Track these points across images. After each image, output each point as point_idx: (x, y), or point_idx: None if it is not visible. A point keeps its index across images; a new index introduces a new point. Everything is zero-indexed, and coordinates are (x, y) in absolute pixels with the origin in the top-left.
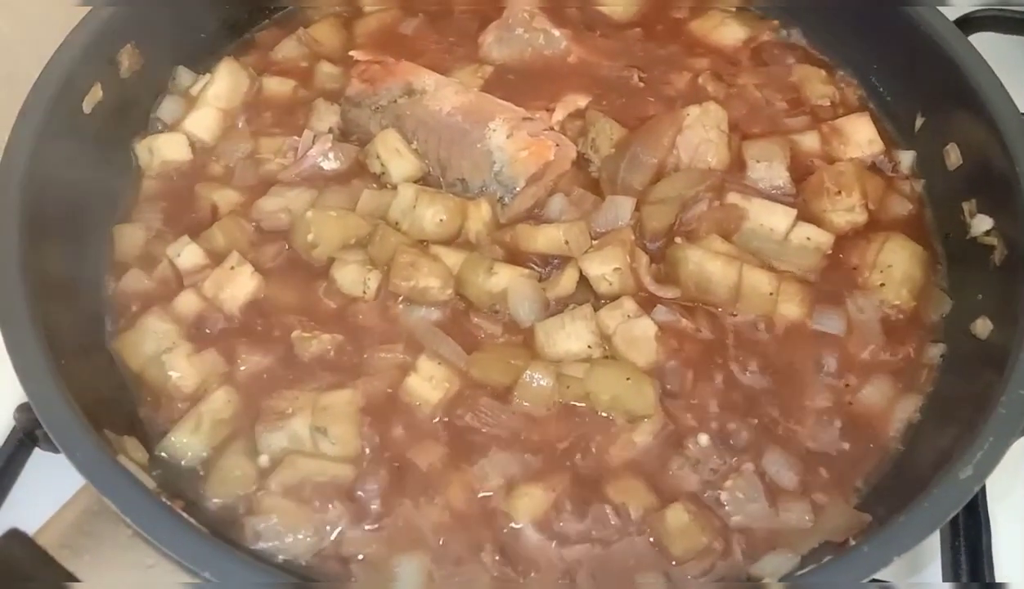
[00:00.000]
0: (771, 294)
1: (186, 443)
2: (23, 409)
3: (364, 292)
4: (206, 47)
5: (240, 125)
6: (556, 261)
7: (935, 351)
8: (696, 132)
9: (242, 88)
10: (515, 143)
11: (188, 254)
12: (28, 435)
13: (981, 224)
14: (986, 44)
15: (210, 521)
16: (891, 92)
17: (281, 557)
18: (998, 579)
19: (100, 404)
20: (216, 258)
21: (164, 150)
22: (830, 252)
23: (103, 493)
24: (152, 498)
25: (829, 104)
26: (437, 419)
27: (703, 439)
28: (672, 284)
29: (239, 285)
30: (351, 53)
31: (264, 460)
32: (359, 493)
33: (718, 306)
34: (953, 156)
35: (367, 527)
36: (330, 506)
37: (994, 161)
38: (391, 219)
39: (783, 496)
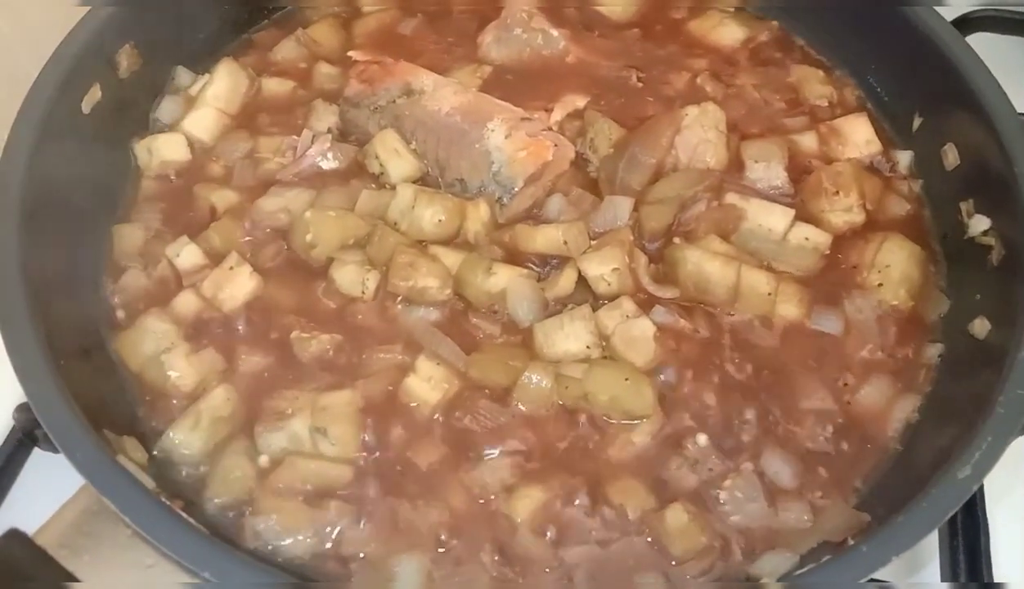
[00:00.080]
0: (769, 294)
1: (185, 442)
2: (22, 409)
3: (363, 292)
4: (205, 47)
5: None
6: (555, 261)
7: (933, 351)
8: (694, 132)
9: (241, 88)
10: (513, 143)
11: (187, 254)
12: (27, 435)
13: (979, 224)
14: (984, 44)
15: (209, 521)
16: (889, 92)
17: (280, 557)
18: (996, 579)
19: (99, 404)
20: (215, 258)
21: (163, 150)
22: (828, 252)
23: (102, 493)
24: (151, 498)
25: (827, 104)
26: (436, 420)
27: (702, 439)
28: (671, 284)
29: (238, 285)
30: (350, 53)
31: (263, 460)
32: (358, 493)
33: (716, 306)
34: (951, 156)
35: (366, 527)
36: (329, 506)
37: (992, 161)
38: (390, 219)
39: (782, 496)
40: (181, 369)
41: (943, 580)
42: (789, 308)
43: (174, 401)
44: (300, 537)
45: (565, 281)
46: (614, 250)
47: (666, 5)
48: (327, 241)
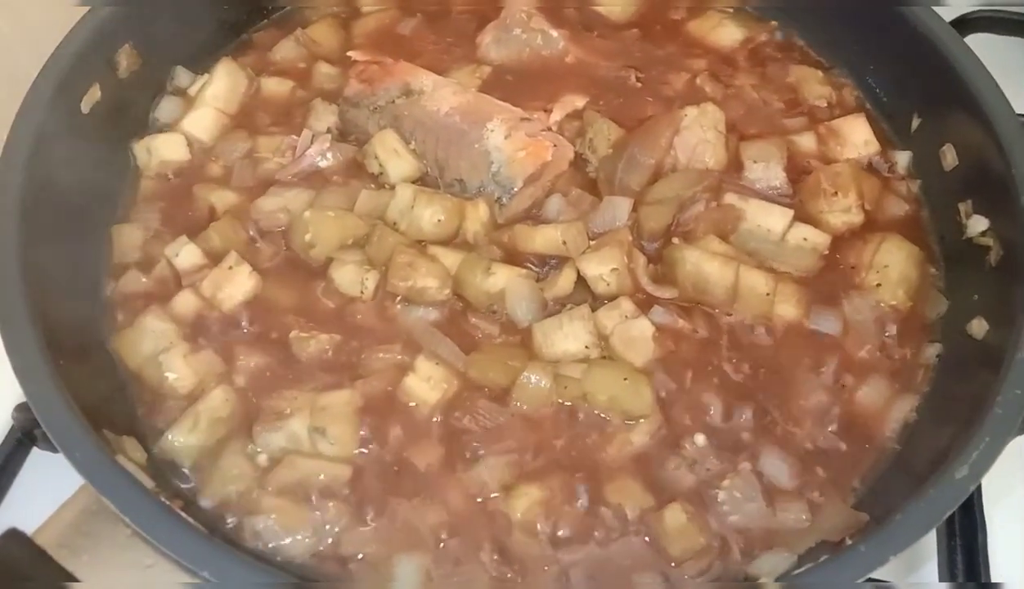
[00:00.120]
0: (768, 294)
1: (184, 442)
2: (22, 409)
3: (362, 292)
4: (204, 47)
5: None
6: (554, 261)
7: (931, 351)
8: (694, 133)
9: (240, 88)
10: (513, 143)
11: (186, 254)
12: (27, 435)
13: (977, 225)
14: (982, 45)
15: (209, 521)
16: (887, 93)
17: (280, 557)
18: (994, 579)
19: (99, 404)
20: (214, 258)
21: (162, 150)
22: (827, 253)
23: (102, 493)
24: (151, 498)
25: (826, 105)
26: (435, 419)
27: (700, 439)
28: (669, 284)
29: (237, 285)
30: (349, 53)
31: (263, 460)
32: (357, 493)
33: (715, 307)
34: (949, 157)
35: (365, 527)
36: (328, 506)
37: (990, 162)
38: (389, 219)
39: (780, 496)
40: (179, 370)
41: (941, 580)
42: (787, 308)
43: (172, 402)
44: (299, 537)
45: (564, 281)
46: (613, 250)
47: (665, 5)
48: (326, 241)
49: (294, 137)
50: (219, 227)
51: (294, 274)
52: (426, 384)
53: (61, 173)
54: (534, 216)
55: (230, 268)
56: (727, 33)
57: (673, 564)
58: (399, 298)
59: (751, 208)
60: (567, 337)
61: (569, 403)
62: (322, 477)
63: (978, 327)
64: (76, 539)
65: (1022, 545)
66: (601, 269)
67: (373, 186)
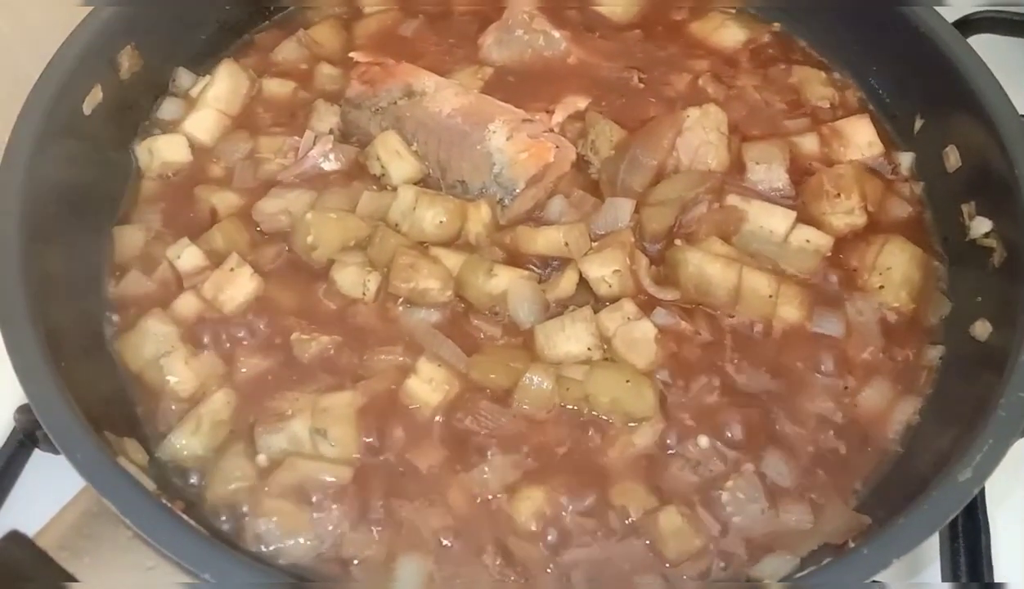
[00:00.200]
0: (770, 296)
1: (186, 445)
2: (23, 410)
3: (364, 294)
4: (206, 48)
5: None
6: (556, 263)
7: (934, 353)
8: (696, 134)
9: (242, 90)
10: (515, 145)
11: (188, 256)
12: (28, 436)
13: (980, 226)
14: (985, 46)
15: (210, 523)
16: (890, 94)
17: (281, 559)
18: (997, 580)
19: (100, 405)
20: (216, 260)
21: (164, 151)
22: (829, 254)
23: (103, 495)
24: (152, 500)
25: (828, 106)
26: (437, 421)
27: (703, 441)
28: (672, 286)
29: (239, 287)
30: (351, 55)
31: (263, 460)
32: (359, 495)
33: (717, 308)
34: (952, 158)
35: (367, 529)
36: (330, 508)
37: (993, 163)
38: (391, 221)
39: (783, 497)
40: (180, 374)
41: (944, 581)
42: (790, 310)
43: (174, 404)
44: (300, 539)
45: (566, 283)
46: (615, 252)
47: (667, 6)
48: (328, 242)
49: (296, 138)
50: (221, 229)
51: (296, 276)
52: (428, 386)
53: (62, 174)
54: (536, 217)
55: (232, 270)
56: (729, 34)
57: (668, 565)
58: (401, 300)
59: (753, 210)
60: (569, 339)
61: (571, 405)
62: (323, 479)
63: (981, 329)
64: (77, 541)
65: None
66: (603, 271)
67: (375, 187)
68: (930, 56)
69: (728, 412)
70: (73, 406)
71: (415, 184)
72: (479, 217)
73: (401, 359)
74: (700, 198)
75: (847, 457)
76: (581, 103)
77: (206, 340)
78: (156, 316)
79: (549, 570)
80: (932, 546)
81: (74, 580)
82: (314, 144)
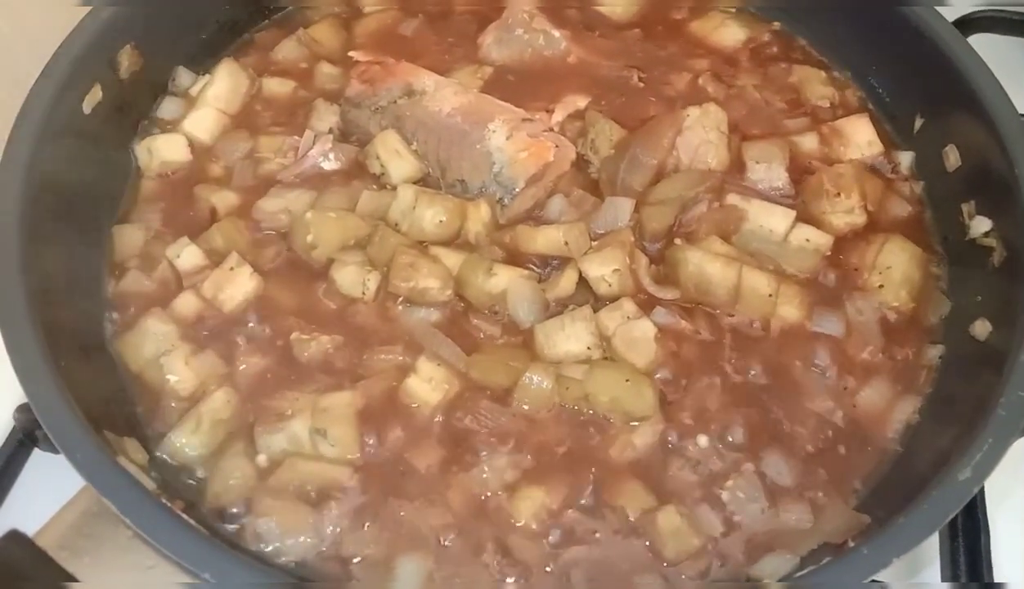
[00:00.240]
0: (770, 295)
1: (185, 444)
2: (23, 410)
3: (363, 293)
4: (206, 48)
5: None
6: (555, 262)
7: (934, 353)
8: (696, 133)
9: (242, 89)
10: (515, 144)
11: (187, 255)
12: (28, 436)
13: (980, 226)
14: (985, 45)
15: (210, 522)
16: (890, 93)
17: (281, 558)
18: (997, 580)
19: (100, 405)
20: (215, 259)
21: (163, 151)
22: (829, 253)
23: (103, 494)
24: (152, 499)
25: (828, 105)
26: (437, 420)
27: (702, 440)
28: (671, 285)
29: (238, 286)
30: (351, 54)
31: (262, 460)
32: (359, 494)
33: (717, 307)
34: (952, 158)
35: (367, 528)
36: (330, 507)
37: (993, 163)
38: (391, 220)
39: (783, 497)
40: (180, 373)
41: (943, 581)
42: (790, 310)
43: (174, 404)
44: (300, 538)
45: (566, 282)
46: (615, 251)
47: (667, 6)
48: (328, 242)
49: (296, 138)
50: (221, 228)
51: (295, 275)
52: (427, 385)
53: (62, 173)
54: (536, 217)
55: (231, 269)
56: (729, 33)
57: (667, 564)
58: (400, 299)
59: (753, 209)
60: (569, 338)
61: (571, 404)
62: (323, 478)
63: (981, 328)
64: (77, 540)
65: None
66: (603, 270)
67: (375, 187)
68: (930, 55)
69: (728, 411)
70: (73, 406)
71: (415, 183)
72: (479, 216)
73: (401, 358)
74: (700, 197)
75: (847, 456)
76: (581, 102)
77: (206, 339)
78: (156, 315)
79: (549, 569)
80: (932, 546)
81: (74, 580)
82: (314, 143)
